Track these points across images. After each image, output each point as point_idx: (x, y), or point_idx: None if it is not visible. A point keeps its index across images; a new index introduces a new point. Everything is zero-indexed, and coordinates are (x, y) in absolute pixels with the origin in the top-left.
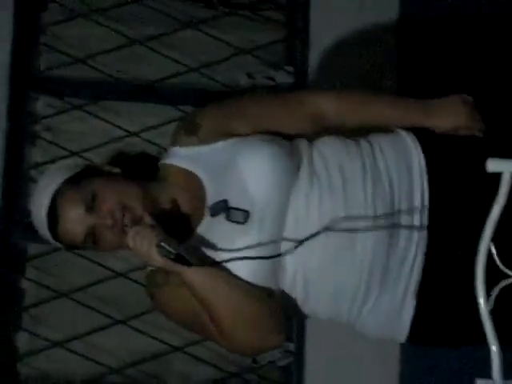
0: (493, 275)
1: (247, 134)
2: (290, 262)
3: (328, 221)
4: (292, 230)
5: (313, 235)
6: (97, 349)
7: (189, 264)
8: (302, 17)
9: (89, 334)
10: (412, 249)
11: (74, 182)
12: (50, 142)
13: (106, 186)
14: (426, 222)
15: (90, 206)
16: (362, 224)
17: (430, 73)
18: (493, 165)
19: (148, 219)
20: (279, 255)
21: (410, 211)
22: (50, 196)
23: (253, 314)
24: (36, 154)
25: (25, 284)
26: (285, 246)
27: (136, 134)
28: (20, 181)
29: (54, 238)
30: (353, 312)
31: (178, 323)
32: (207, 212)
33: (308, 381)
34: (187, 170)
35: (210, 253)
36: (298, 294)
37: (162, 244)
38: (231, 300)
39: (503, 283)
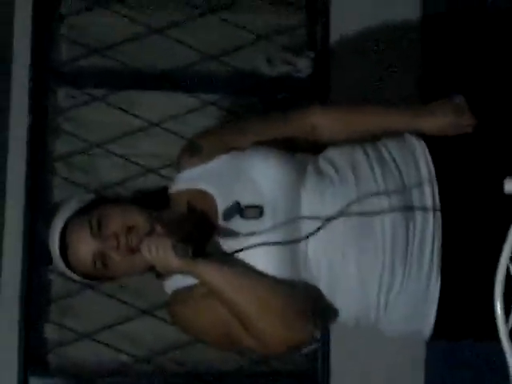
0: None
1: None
2: (312, 252)
3: (343, 206)
4: (309, 223)
5: (331, 218)
6: (124, 338)
7: (207, 255)
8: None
9: (116, 324)
10: (429, 230)
11: (84, 211)
12: (72, 135)
13: (111, 210)
14: (438, 202)
15: (96, 231)
16: (376, 204)
17: (455, 60)
18: (510, 185)
19: (158, 228)
20: (296, 241)
21: (421, 193)
22: (62, 225)
23: (278, 305)
24: (59, 146)
25: (51, 275)
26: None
27: (156, 125)
28: (44, 173)
29: (67, 266)
30: (381, 301)
31: (206, 339)
32: (221, 218)
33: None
34: (194, 189)
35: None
36: (324, 286)
37: (178, 245)
38: (254, 294)
39: None
